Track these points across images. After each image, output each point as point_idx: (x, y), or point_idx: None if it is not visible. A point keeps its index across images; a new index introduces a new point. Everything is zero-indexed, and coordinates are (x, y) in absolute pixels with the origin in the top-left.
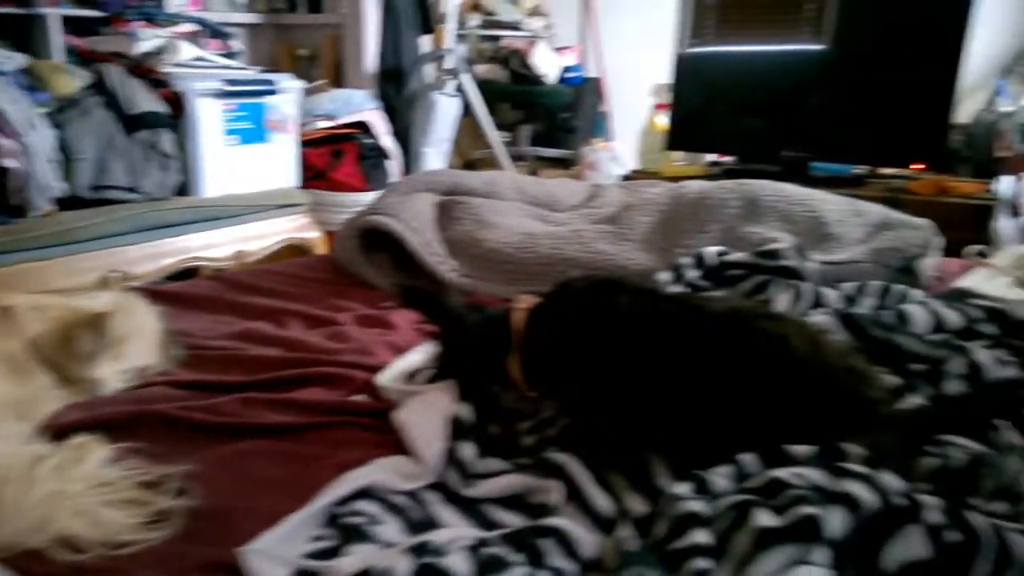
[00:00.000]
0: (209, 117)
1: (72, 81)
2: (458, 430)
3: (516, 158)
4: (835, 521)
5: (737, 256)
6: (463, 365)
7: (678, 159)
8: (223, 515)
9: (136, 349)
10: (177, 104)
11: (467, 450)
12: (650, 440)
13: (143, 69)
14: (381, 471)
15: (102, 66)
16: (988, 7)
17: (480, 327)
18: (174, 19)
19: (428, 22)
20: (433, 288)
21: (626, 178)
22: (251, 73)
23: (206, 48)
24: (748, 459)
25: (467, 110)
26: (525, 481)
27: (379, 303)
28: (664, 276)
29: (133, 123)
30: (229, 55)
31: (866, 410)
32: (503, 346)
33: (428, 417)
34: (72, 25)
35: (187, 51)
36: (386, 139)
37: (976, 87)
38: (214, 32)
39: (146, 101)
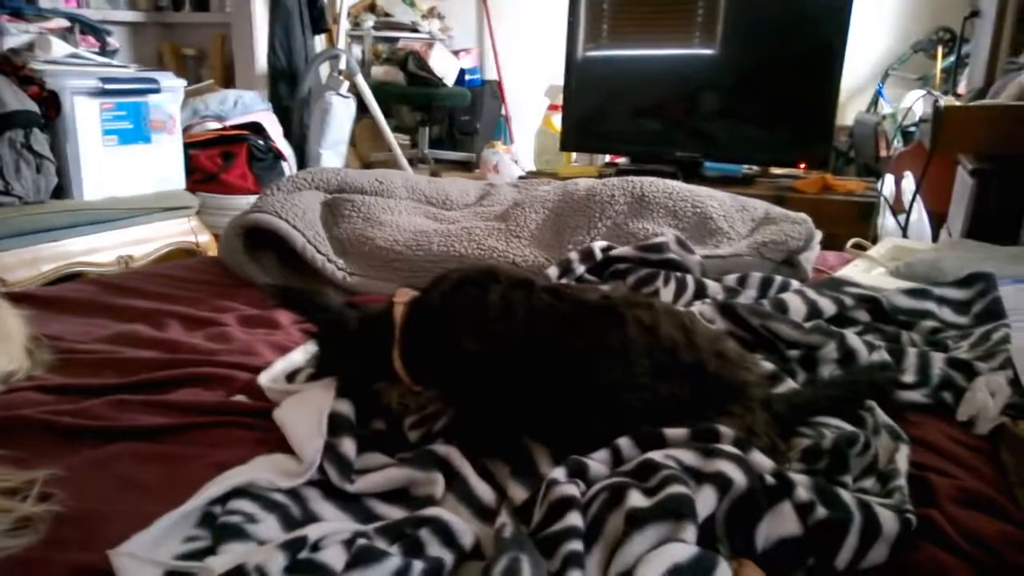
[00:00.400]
0: (86, 116)
1: None
2: (338, 426)
3: (416, 161)
4: (706, 500)
5: (623, 250)
6: (343, 363)
7: (575, 160)
8: (90, 519)
9: (1, 354)
10: (50, 103)
11: (347, 445)
12: (529, 429)
13: (11, 65)
14: (260, 469)
15: None
16: (869, 14)
17: (360, 323)
18: (44, 14)
19: (321, 21)
20: (308, 287)
21: (521, 178)
22: (130, 71)
23: (80, 45)
24: (624, 443)
25: (365, 112)
26: (408, 474)
27: (264, 303)
28: (553, 271)
29: (2, 122)
30: (106, 52)
31: (737, 392)
32: (385, 341)
33: (307, 414)
34: None
35: (60, 48)
36: (279, 141)
37: (859, 90)
38: (89, 29)
39: (15, 99)
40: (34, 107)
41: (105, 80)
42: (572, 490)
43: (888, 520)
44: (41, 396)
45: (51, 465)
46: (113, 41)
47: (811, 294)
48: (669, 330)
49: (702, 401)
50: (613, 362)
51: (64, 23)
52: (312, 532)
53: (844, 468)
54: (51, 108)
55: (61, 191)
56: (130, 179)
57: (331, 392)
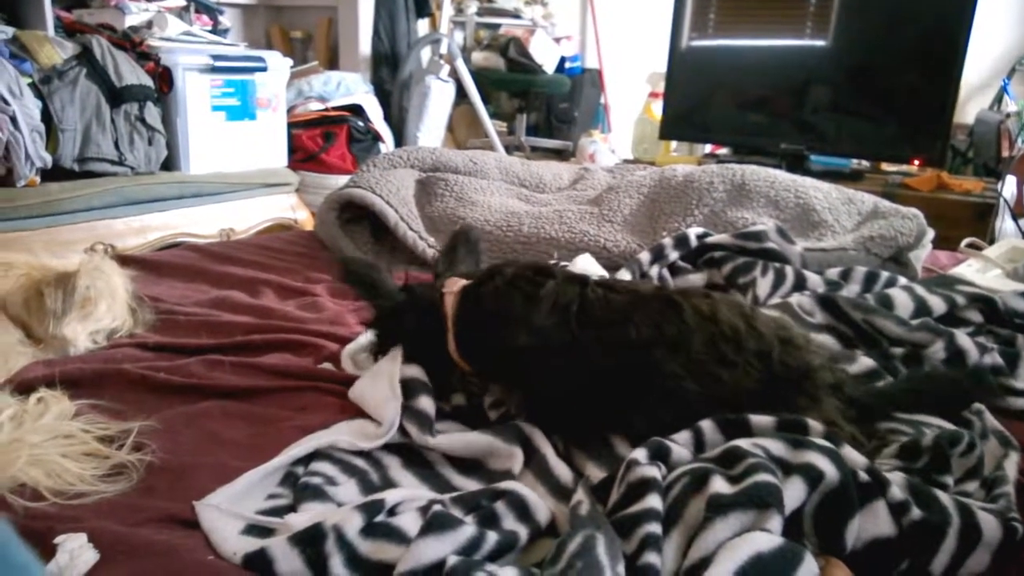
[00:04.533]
0: (196, 92)
1: (58, 52)
2: (412, 388)
3: (513, 148)
4: (794, 491)
5: (719, 238)
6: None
7: (674, 150)
8: (180, 471)
9: (105, 310)
10: (164, 78)
11: (424, 402)
12: (592, 418)
13: (130, 42)
14: (341, 432)
15: (88, 38)
16: (994, 7)
17: (413, 312)
18: None
19: (425, 6)
20: (369, 266)
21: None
22: (239, 49)
23: (195, 24)
24: (707, 426)
25: (463, 97)
26: (489, 442)
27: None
28: (645, 257)
29: (119, 96)
30: (218, 31)
31: (803, 377)
32: (439, 330)
33: (380, 383)
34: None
35: (175, 26)
36: (379, 123)
37: (982, 87)
38: (203, 8)
39: (132, 74)
40: (149, 82)
41: (215, 57)
42: (653, 472)
43: (990, 525)
44: (141, 352)
45: (146, 417)
46: (225, 21)
47: (920, 290)
48: (729, 317)
49: (769, 388)
50: (670, 351)
51: (180, 2)
52: (390, 497)
53: (945, 468)
54: (164, 83)
55: (170, 163)
56: (235, 154)
57: (398, 361)
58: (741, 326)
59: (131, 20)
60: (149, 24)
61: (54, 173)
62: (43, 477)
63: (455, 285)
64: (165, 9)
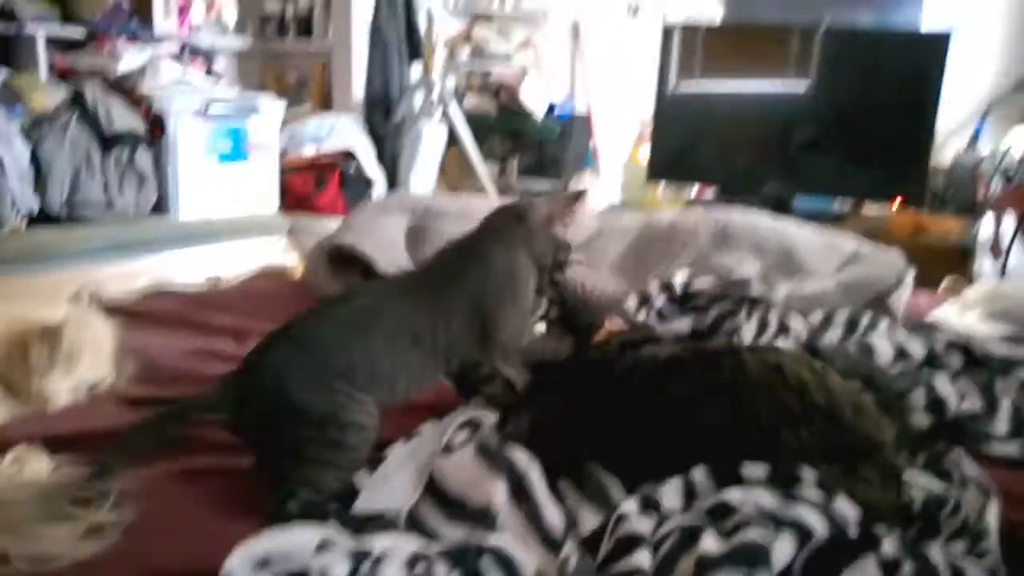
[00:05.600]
0: (188, 136)
1: (49, 97)
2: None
3: (504, 190)
4: (783, 549)
5: (703, 284)
6: None
7: (661, 192)
8: (160, 530)
9: (89, 363)
10: (157, 123)
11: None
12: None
13: (123, 87)
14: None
15: (81, 83)
16: (970, 52)
17: None
18: (158, 39)
19: (417, 51)
20: None
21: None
22: (232, 94)
23: (189, 69)
24: (699, 475)
25: (455, 140)
26: (471, 472)
27: None
28: (631, 302)
29: (110, 141)
30: (212, 77)
31: (872, 452)
32: None
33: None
34: (58, 44)
35: (169, 71)
36: (371, 166)
37: (957, 130)
38: (197, 54)
39: (124, 119)
40: (141, 127)
41: (208, 102)
42: (642, 527)
43: None
44: (122, 407)
45: (127, 475)
46: (219, 66)
47: (900, 336)
48: (797, 370)
49: (836, 455)
50: (723, 402)
51: (175, 48)
52: (377, 546)
53: (935, 532)
54: (157, 128)
55: (161, 206)
56: (226, 198)
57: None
58: (810, 379)
59: (125, 65)
60: (143, 70)
61: (41, 218)
62: (14, 543)
63: None
64: (159, 55)
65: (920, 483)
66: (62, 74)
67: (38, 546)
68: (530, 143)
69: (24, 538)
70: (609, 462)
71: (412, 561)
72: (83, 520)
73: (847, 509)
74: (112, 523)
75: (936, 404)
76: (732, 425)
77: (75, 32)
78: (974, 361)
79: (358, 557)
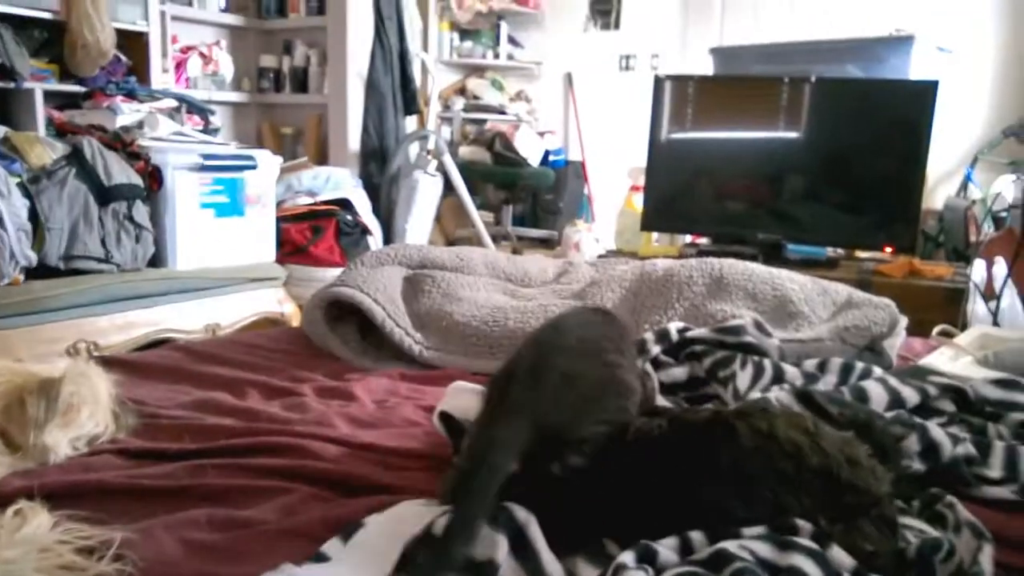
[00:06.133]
0: (185, 190)
1: (47, 152)
2: None
3: (500, 238)
4: None
5: (699, 332)
6: None
7: (656, 240)
8: None
9: (87, 416)
10: (154, 177)
11: None
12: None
13: (121, 142)
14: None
15: (79, 139)
16: (959, 99)
17: None
18: (154, 95)
19: (413, 104)
20: None
21: (601, 257)
22: (229, 148)
23: (186, 124)
24: (696, 534)
25: (451, 190)
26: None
27: (343, 375)
28: None
29: (107, 194)
30: (209, 131)
31: (869, 506)
32: None
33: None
34: (56, 99)
35: (166, 126)
36: (367, 216)
37: (948, 174)
38: (194, 108)
39: (122, 173)
40: (138, 181)
41: (205, 156)
42: None
43: None
44: (122, 459)
45: (128, 527)
46: (216, 120)
47: (893, 382)
48: (791, 434)
49: (831, 511)
50: (720, 478)
51: (172, 103)
52: None
53: None
54: (154, 181)
55: (157, 259)
56: (223, 250)
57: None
58: (804, 441)
59: (122, 120)
60: (140, 124)
61: (39, 271)
62: None
63: None
64: (157, 110)
65: (915, 528)
66: (60, 130)
67: None
68: (525, 191)
69: None
70: (609, 533)
71: None
72: (86, 572)
73: (843, 558)
74: (114, 574)
75: (930, 449)
76: (732, 502)
77: (72, 89)
78: (967, 406)
79: None
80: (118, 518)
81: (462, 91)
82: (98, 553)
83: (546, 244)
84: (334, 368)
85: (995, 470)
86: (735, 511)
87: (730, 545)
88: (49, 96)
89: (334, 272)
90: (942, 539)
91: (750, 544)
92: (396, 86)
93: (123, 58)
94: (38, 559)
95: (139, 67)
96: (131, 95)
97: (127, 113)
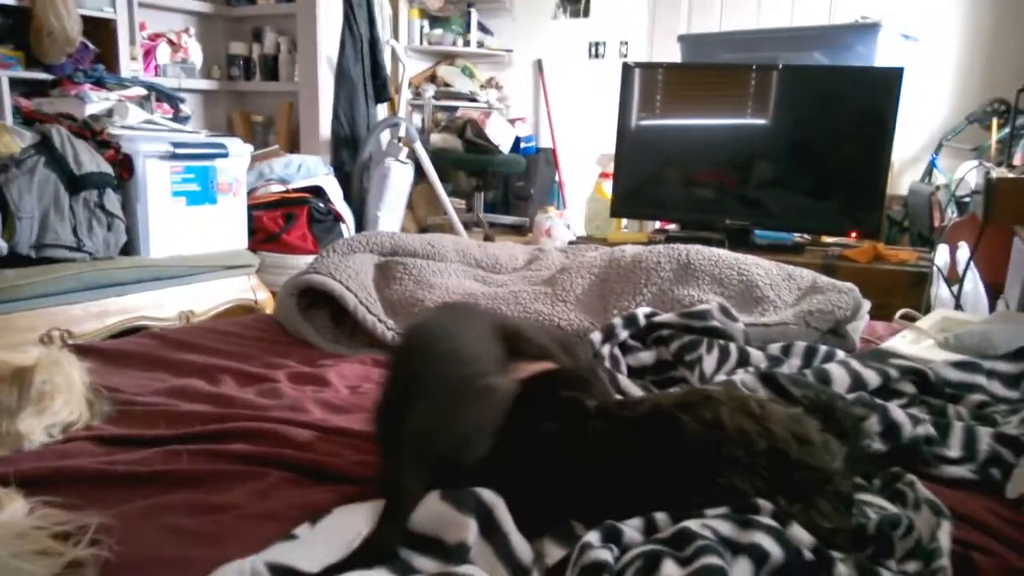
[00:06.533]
0: (156, 178)
1: (15, 141)
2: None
3: (472, 224)
4: (740, 572)
5: (666, 317)
6: None
7: (625, 226)
8: (138, 565)
9: (62, 404)
10: (124, 165)
11: None
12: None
13: (90, 130)
14: (308, 551)
15: (48, 127)
16: (924, 86)
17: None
18: (123, 83)
19: (383, 91)
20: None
21: (571, 243)
22: (200, 136)
23: (156, 112)
24: (660, 514)
25: (422, 177)
26: (440, 511)
27: (316, 361)
28: (596, 336)
29: (78, 183)
30: (179, 119)
31: (821, 482)
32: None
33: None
34: (22, 87)
35: (136, 114)
36: (339, 203)
37: (913, 160)
38: (164, 97)
39: (92, 162)
40: (109, 169)
41: (176, 145)
42: (605, 555)
43: None
44: (97, 446)
45: (104, 512)
46: (186, 108)
47: (855, 365)
48: (737, 420)
49: (785, 490)
50: (674, 469)
51: (142, 91)
52: None
53: (890, 553)
54: (125, 170)
55: (130, 248)
56: (195, 238)
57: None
58: (752, 428)
59: (92, 109)
60: (110, 113)
61: (10, 260)
62: None
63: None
64: (126, 98)
65: (875, 505)
66: (28, 118)
67: None
68: (496, 178)
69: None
70: (576, 515)
71: None
72: (62, 556)
73: (802, 535)
74: (91, 559)
75: (890, 429)
76: (690, 488)
77: (40, 77)
78: (927, 388)
79: None
80: (94, 504)
81: (433, 78)
82: (74, 538)
83: (518, 231)
84: (307, 355)
85: (954, 450)
86: (694, 497)
87: (693, 524)
88: (16, 84)
89: (307, 259)
90: (901, 516)
91: (712, 523)
92: (367, 74)
93: (90, 45)
94: (14, 544)
95: (107, 55)
96: (100, 83)
97: (96, 101)
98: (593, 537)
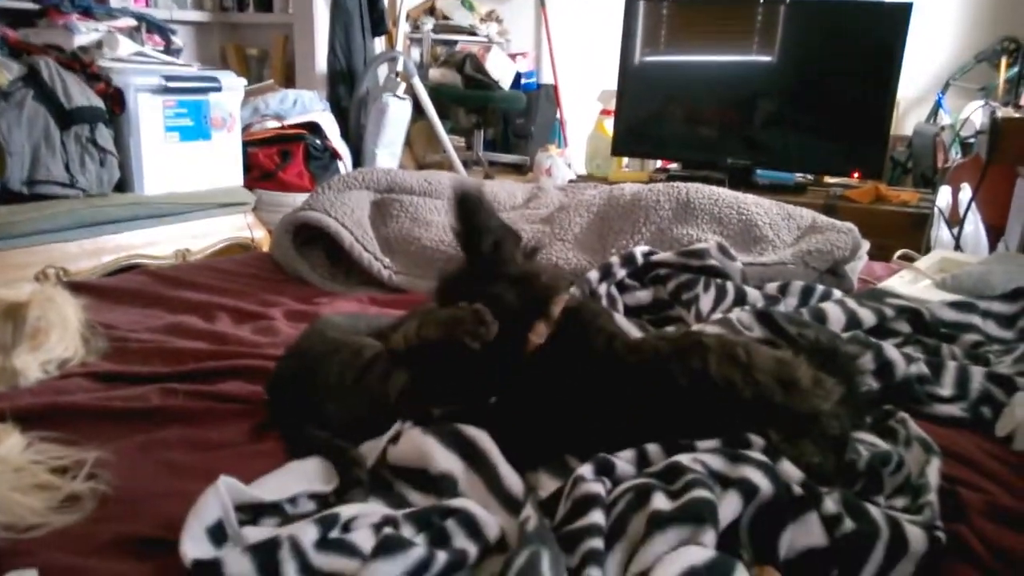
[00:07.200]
0: (149, 113)
1: (3, 73)
2: None
3: (471, 163)
4: (730, 505)
5: (664, 256)
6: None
7: (626, 165)
8: (134, 499)
9: (57, 340)
10: (115, 99)
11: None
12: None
13: (79, 63)
14: (294, 481)
15: (35, 59)
16: (931, 24)
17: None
18: (113, 13)
19: (381, 24)
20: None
21: (571, 183)
22: (193, 70)
23: (146, 44)
24: (652, 446)
25: (421, 113)
26: (422, 449)
27: (312, 299)
28: (594, 275)
29: (69, 118)
30: (171, 51)
31: (808, 423)
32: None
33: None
34: (8, 16)
35: (126, 46)
36: (336, 140)
37: (919, 100)
38: (155, 28)
39: (82, 96)
40: (100, 103)
41: (168, 78)
42: (597, 488)
43: (916, 538)
44: (93, 382)
45: (100, 447)
46: (178, 40)
47: (851, 304)
48: (723, 370)
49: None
50: (665, 415)
51: (131, 22)
52: (344, 511)
53: (879, 488)
54: (116, 104)
55: (123, 184)
56: (190, 175)
57: None
58: (737, 377)
59: (80, 40)
60: (99, 44)
61: (3, 197)
62: None
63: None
64: (115, 29)
65: (866, 442)
66: (15, 49)
67: (16, 516)
68: (496, 115)
69: (2, 509)
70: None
71: (380, 524)
72: (60, 490)
73: (791, 470)
74: (88, 492)
75: (884, 368)
76: (681, 429)
77: (26, 6)
78: (923, 327)
79: (326, 523)
80: (90, 439)
81: (431, 11)
82: (72, 472)
83: (518, 169)
84: (303, 292)
85: (947, 388)
86: (686, 435)
87: (684, 458)
88: (1, 14)
89: (303, 197)
90: (892, 452)
91: (703, 457)
92: (363, 5)
93: None
94: (12, 479)
95: None
96: (88, 13)
97: (85, 32)
98: (586, 470)
